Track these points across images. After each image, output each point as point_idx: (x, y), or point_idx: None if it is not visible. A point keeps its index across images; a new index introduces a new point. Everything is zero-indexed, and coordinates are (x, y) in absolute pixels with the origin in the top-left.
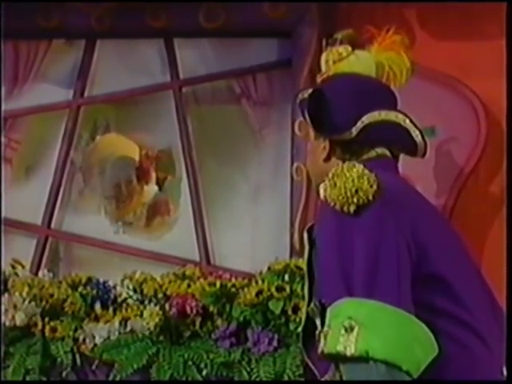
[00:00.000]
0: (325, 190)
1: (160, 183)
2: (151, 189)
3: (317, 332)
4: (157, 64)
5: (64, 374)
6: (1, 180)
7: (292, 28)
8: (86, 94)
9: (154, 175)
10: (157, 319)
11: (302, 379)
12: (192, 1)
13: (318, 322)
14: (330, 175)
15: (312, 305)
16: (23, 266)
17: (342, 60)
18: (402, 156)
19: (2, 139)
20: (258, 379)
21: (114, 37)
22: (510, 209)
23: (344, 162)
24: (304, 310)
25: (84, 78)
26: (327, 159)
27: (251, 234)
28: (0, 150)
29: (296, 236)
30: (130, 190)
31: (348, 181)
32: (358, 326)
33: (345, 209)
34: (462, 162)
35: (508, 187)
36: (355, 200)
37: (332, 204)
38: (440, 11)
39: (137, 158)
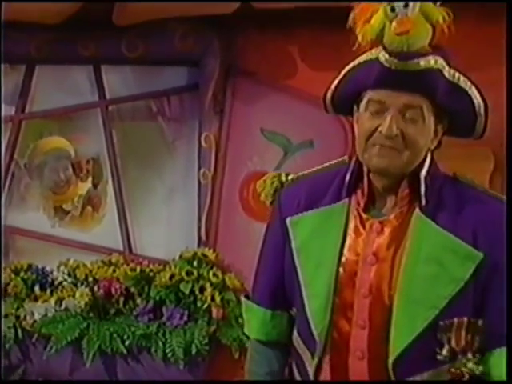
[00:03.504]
0: None
1: (93, 184)
2: (86, 184)
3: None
4: (87, 86)
5: (8, 345)
6: (0, 181)
7: (198, 58)
8: (26, 111)
9: (90, 177)
10: (87, 299)
11: (207, 348)
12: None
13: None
14: None
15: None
16: None
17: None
18: None
19: (2, 140)
20: (171, 348)
21: (51, 63)
22: (510, 213)
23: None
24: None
25: (25, 97)
26: (439, 145)
27: (166, 227)
28: (0, 151)
29: (202, 229)
30: (68, 177)
31: None
32: None
33: None
34: None
35: (508, 188)
36: None
37: None
38: (317, 46)
39: (72, 151)
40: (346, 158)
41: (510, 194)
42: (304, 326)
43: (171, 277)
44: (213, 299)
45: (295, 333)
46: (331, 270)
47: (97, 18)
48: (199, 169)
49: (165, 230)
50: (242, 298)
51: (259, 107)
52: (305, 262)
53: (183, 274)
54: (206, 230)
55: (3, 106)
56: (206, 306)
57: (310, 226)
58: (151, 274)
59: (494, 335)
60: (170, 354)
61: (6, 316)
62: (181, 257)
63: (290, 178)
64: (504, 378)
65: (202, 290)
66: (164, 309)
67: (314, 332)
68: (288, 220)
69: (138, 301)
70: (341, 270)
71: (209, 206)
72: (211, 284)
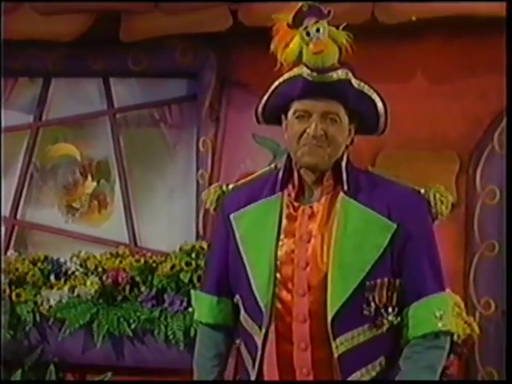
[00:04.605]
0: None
1: (99, 184)
2: (91, 183)
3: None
4: (96, 96)
5: (27, 328)
6: (1, 179)
7: (197, 71)
8: (43, 119)
9: (98, 178)
10: (96, 287)
11: None
12: None
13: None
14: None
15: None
16: None
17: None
18: None
19: (2, 144)
20: (172, 331)
21: (65, 76)
22: (510, 210)
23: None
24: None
25: (42, 107)
26: (352, 142)
27: (167, 223)
28: (0, 152)
29: (200, 225)
30: (75, 180)
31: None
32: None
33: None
34: None
35: (508, 188)
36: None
37: (440, 215)
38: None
39: (78, 157)
40: (273, 165)
41: (510, 193)
42: (251, 303)
43: (172, 267)
44: None
45: (243, 313)
46: (271, 251)
47: (105, 36)
48: (197, 170)
49: (166, 225)
50: (192, 291)
51: (251, 115)
52: (248, 248)
53: (183, 264)
54: (203, 225)
55: (23, 114)
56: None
57: (251, 218)
58: (154, 264)
59: (408, 293)
60: (171, 337)
61: (26, 302)
62: (181, 249)
63: (230, 187)
64: (417, 329)
65: (200, 279)
66: (166, 296)
67: (261, 304)
68: (232, 216)
69: (143, 289)
70: (279, 250)
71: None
72: None
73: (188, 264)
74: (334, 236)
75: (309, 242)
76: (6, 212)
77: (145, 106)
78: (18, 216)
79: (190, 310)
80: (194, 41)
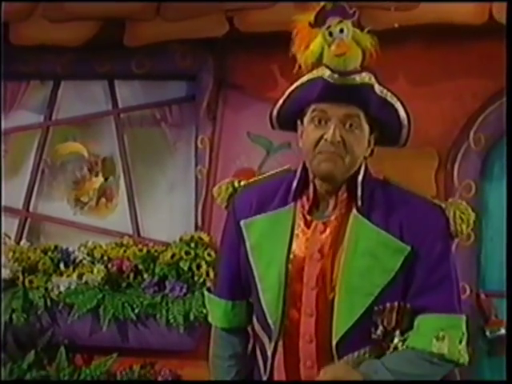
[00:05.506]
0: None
1: (105, 179)
2: (98, 179)
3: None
4: (102, 98)
5: (39, 312)
6: (1, 177)
7: (195, 74)
8: (53, 118)
9: (104, 174)
10: (103, 274)
11: (203, 315)
12: None
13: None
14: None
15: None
16: (10, 238)
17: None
18: None
19: (3, 146)
20: (173, 315)
21: (73, 79)
22: (510, 210)
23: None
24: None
25: (52, 107)
26: (371, 153)
27: (168, 215)
28: (0, 154)
29: (199, 216)
30: (83, 176)
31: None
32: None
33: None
34: None
35: (508, 190)
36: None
37: (460, 234)
38: (293, 64)
39: (85, 154)
40: (288, 166)
41: (510, 193)
42: (260, 316)
43: (172, 256)
44: (207, 275)
45: (255, 320)
46: (281, 266)
47: (111, 41)
48: (196, 166)
49: (167, 216)
50: (205, 292)
51: (246, 115)
52: (258, 259)
53: (183, 253)
54: (201, 216)
55: (34, 115)
56: (201, 280)
57: (261, 228)
58: (156, 253)
59: (414, 312)
60: (172, 320)
61: (37, 288)
62: (181, 239)
63: (242, 184)
64: (411, 339)
65: (199, 267)
66: (167, 283)
67: (270, 321)
68: (242, 222)
69: (145, 276)
70: (290, 266)
71: (204, 197)
72: (206, 262)
73: (187, 253)
74: (343, 257)
75: (319, 260)
76: (19, 205)
77: (147, 107)
78: (31, 209)
79: (189, 295)
80: (192, 45)
